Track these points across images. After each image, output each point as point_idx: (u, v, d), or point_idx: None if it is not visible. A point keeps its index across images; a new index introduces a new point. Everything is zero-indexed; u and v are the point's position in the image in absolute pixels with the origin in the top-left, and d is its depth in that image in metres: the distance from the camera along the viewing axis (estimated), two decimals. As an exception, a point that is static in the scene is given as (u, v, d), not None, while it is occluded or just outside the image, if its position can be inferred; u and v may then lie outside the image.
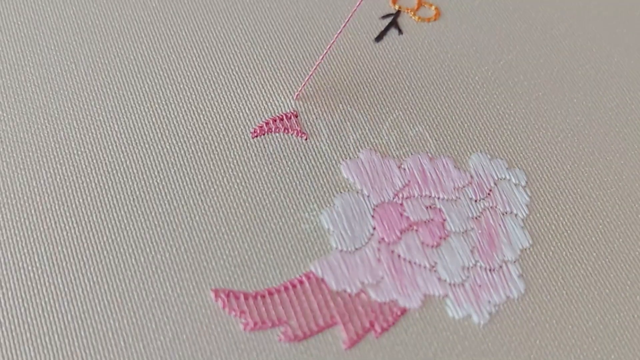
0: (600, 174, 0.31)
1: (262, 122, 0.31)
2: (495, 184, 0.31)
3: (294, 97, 0.32)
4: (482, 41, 0.34)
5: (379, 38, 0.34)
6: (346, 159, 0.31)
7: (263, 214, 0.29)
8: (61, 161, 0.30)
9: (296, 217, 0.29)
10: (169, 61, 0.32)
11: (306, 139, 0.31)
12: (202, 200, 0.29)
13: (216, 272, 0.28)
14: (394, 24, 0.35)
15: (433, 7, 0.35)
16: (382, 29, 0.34)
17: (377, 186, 0.30)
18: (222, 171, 0.30)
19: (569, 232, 0.30)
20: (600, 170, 0.31)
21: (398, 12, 0.35)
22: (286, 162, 0.30)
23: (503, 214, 0.30)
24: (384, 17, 0.35)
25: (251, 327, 0.27)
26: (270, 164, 0.30)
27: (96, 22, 0.33)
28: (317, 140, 0.31)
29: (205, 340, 0.27)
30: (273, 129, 0.31)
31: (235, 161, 0.30)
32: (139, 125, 0.31)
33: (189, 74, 0.32)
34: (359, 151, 0.31)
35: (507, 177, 0.31)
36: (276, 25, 0.34)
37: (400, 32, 0.34)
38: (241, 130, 0.31)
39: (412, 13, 0.35)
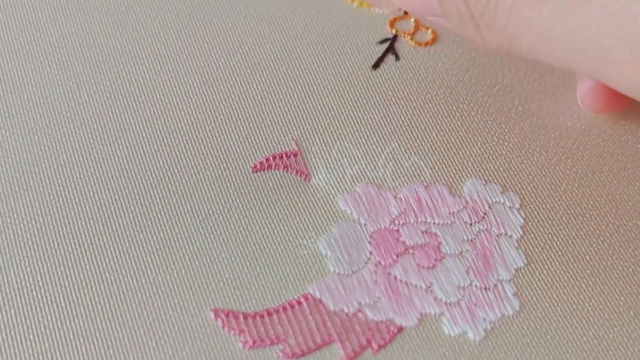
0: (593, 194, 0.32)
1: (263, 158, 0.32)
2: (489, 207, 0.31)
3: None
4: (477, 65, 0.35)
5: (376, 65, 0.35)
6: (343, 192, 0.31)
7: (262, 241, 0.30)
8: (63, 183, 0.31)
9: (294, 244, 0.30)
10: (172, 88, 0.34)
11: (305, 179, 0.32)
12: (203, 227, 0.30)
13: (216, 293, 0.29)
14: (391, 49, 0.35)
15: (430, 31, 0.36)
16: (380, 55, 0.35)
17: (374, 215, 0.31)
18: (222, 200, 0.31)
19: (562, 250, 0.30)
20: (593, 190, 0.32)
21: (395, 37, 0.36)
22: (285, 196, 0.31)
23: (497, 236, 0.31)
24: (382, 42, 0.36)
25: (250, 345, 0.28)
26: (269, 197, 0.31)
27: (98, 43, 0.35)
28: (316, 177, 0.32)
29: (205, 358, 0.27)
30: (273, 166, 0.32)
31: (235, 192, 0.31)
32: (142, 151, 0.32)
33: (190, 101, 0.33)
34: (355, 185, 0.32)
35: (502, 200, 0.31)
36: (277, 54, 0.35)
37: (397, 58, 0.35)
38: (241, 164, 0.32)
39: (409, 37, 0.36)
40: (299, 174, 0.32)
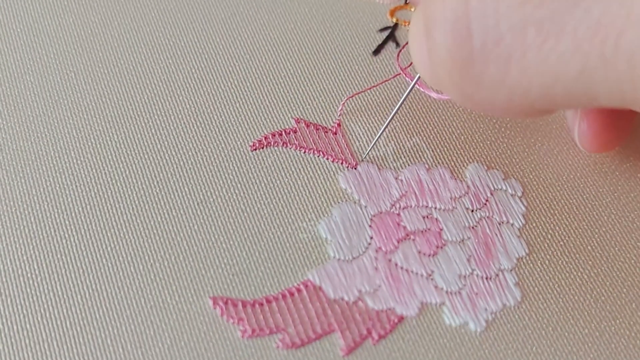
0: (596, 184, 0.31)
1: (261, 136, 0.32)
2: (491, 194, 0.31)
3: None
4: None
5: (376, 51, 0.35)
6: (344, 170, 0.31)
7: (261, 224, 0.29)
8: (60, 170, 0.30)
9: (294, 227, 0.29)
10: (169, 72, 0.33)
11: (305, 152, 0.31)
12: (200, 210, 0.29)
13: (214, 280, 0.28)
14: (391, 37, 0.35)
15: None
16: (380, 42, 0.35)
17: (375, 197, 0.30)
18: (220, 182, 0.30)
19: (565, 240, 0.30)
20: (596, 180, 0.31)
21: (396, 25, 0.35)
22: (284, 174, 0.31)
23: (499, 224, 0.30)
24: (382, 30, 0.35)
25: (249, 334, 0.27)
26: (269, 175, 0.31)
27: (96, 32, 0.34)
28: (316, 152, 0.31)
29: (204, 347, 0.27)
30: (272, 143, 0.31)
31: (233, 172, 0.30)
32: (139, 135, 0.31)
33: (189, 85, 0.33)
34: (357, 163, 0.31)
35: (504, 187, 0.31)
36: (277, 40, 0.34)
37: (397, 45, 0.35)
38: (240, 143, 0.31)
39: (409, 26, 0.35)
40: (298, 148, 0.31)
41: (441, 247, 0.29)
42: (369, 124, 0.32)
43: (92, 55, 0.33)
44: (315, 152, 0.31)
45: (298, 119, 0.32)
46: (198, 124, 0.32)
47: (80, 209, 0.29)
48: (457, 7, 0.23)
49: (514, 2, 0.22)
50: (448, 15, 0.23)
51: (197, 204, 0.29)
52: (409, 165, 0.31)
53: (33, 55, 0.33)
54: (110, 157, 0.30)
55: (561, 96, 0.22)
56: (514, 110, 0.24)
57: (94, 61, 0.33)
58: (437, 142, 0.32)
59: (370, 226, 0.30)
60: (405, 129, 0.32)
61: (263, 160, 0.31)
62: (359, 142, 0.32)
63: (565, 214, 0.31)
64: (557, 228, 0.30)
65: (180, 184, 0.30)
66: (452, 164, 0.31)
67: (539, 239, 0.30)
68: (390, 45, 0.35)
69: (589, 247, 0.30)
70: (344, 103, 0.32)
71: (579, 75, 0.21)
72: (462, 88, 0.24)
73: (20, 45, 0.34)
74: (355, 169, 0.31)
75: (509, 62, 0.22)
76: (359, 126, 0.32)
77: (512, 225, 0.30)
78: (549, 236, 0.30)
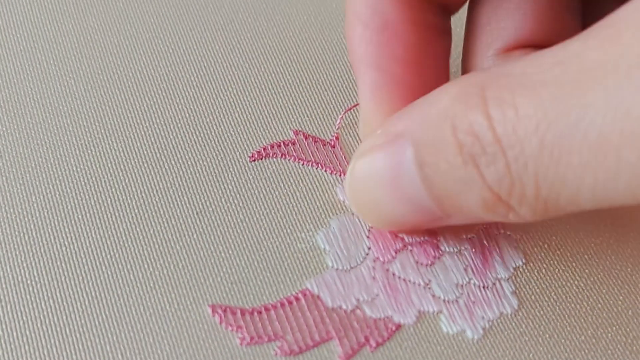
0: (591, 193, 0.32)
1: (260, 147, 0.32)
2: (488, 204, 0.31)
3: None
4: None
5: None
6: (342, 183, 0.31)
7: (260, 234, 0.30)
8: (60, 177, 0.30)
9: (292, 237, 0.30)
10: (168, 80, 0.33)
11: (303, 164, 0.31)
12: (200, 219, 0.30)
13: (213, 288, 0.28)
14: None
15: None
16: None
17: (373, 208, 0.31)
18: (219, 192, 0.30)
19: (561, 250, 0.30)
20: (591, 190, 0.32)
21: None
22: (283, 185, 0.31)
23: (496, 234, 0.30)
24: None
25: (247, 342, 0.27)
26: (267, 186, 0.31)
27: (95, 39, 0.34)
28: (314, 165, 0.31)
29: (202, 354, 0.27)
30: (271, 154, 0.32)
31: (233, 183, 0.31)
32: (138, 143, 0.31)
33: (189, 94, 0.33)
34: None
35: (500, 197, 0.31)
36: (276, 49, 0.35)
37: None
38: (239, 153, 0.32)
39: None
40: (297, 160, 0.31)
41: (438, 258, 0.30)
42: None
43: (91, 62, 0.34)
44: (314, 164, 0.32)
45: (297, 130, 0.32)
46: (197, 133, 0.32)
47: (79, 216, 0.29)
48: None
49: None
50: None
51: (197, 213, 0.30)
52: (407, 177, 0.32)
53: (32, 61, 0.33)
54: (109, 165, 0.31)
55: (587, 202, 0.23)
56: (549, 216, 0.24)
57: (92, 68, 0.33)
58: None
59: (367, 237, 0.30)
60: (402, 141, 0.32)
61: (262, 171, 0.31)
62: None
63: (562, 223, 0.31)
64: (553, 237, 0.30)
65: (180, 193, 0.30)
66: (449, 175, 0.32)
67: (535, 249, 0.30)
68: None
69: (586, 256, 0.30)
70: (341, 117, 0.33)
71: (597, 184, 0.22)
72: (509, 206, 0.24)
73: (19, 51, 0.34)
74: None
75: (537, 184, 0.23)
76: (357, 139, 0.32)
77: (509, 235, 0.30)
78: (546, 245, 0.30)
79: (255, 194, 0.31)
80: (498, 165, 0.23)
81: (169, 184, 0.30)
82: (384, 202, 0.27)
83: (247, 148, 0.32)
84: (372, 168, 0.27)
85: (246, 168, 0.31)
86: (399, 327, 0.28)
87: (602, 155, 0.21)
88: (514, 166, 0.23)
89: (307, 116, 0.33)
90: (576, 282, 0.29)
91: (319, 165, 0.32)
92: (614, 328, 0.29)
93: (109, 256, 0.29)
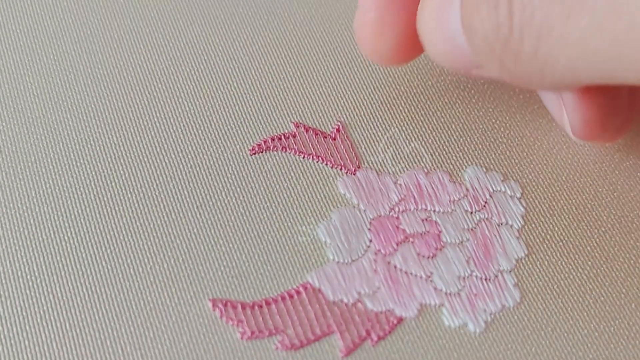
0: (595, 184, 0.31)
1: (261, 140, 0.32)
2: (490, 196, 0.31)
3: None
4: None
5: None
6: (343, 176, 0.31)
7: (260, 227, 0.30)
8: (60, 172, 0.30)
9: (293, 230, 0.30)
10: (168, 74, 0.33)
11: (304, 157, 0.31)
12: (200, 213, 0.30)
13: (214, 282, 0.28)
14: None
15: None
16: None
17: (374, 201, 0.31)
18: (220, 185, 0.30)
19: (564, 241, 0.30)
20: (595, 180, 0.31)
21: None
22: (283, 178, 0.31)
23: (498, 225, 0.30)
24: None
25: (248, 336, 0.27)
26: (268, 179, 0.31)
27: (95, 33, 0.34)
28: (315, 158, 0.31)
29: (203, 348, 0.27)
30: (271, 147, 0.32)
31: (233, 176, 0.31)
32: (138, 137, 0.31)
33: (189, 87, 0.33)
34: (356, 169, 0.31)
35: (503, 189, 0.31)
36: (277, 42, 0.34)
37: None
38: (239, 147, 0.31)
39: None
40: (297, 153, 0.31)
41: (440, 249, 0.30)
42: (370, 130, 0.32)
43: (91, 56, 0.33)
44: (315, 157, 0.31)
45: (297, 123, 0.32)
46: (197, 127, 0.32)
47: (79, 210, 0.29)
48: None
49: None
50: None
51: (197, 207, 0.30)
52: (407, 169, 0.31)
53: (32, 56, 0.33)
54: (108, 158, 0.31)
55: (585, 71, 0.23)
56: (545, 84, 0.24)
57: (92, 63, 0.33)
58: (436, 146, 0.32)
59: (369, 229, 0.30)
60: (403, 134, 0.32)
61: (262, 164, 0.31)
62: (359, 147, 0.32)
63: (565, 214, 0.31)
64: (556, 229, 0.30)
65: (180, 187, 0.30)
66: (451, 167, 0.32)
67: (538, 240, 0.30)
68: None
69: (588, 248, 0.30)
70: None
71: (600, 51, 0.22)
72: (502, 61, 0.24)
73: (19, 46, 0.34)
74: (354, 174, 0.31)
75: (540, 38, 0.23)
76: (359, 132, 0.32)
77: (511, 226, 0.30)
78: (548, 237, 0.30)
79: (255, 187, 0.30)
80: (500, 10, 0.23)
81: (169, 178, 0.30)
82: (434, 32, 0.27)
83: (247, 141, 0.32)
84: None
85: (246, 161, 0.31)
86: (400, 320, 0.28)
87: (615, 17, 0.21)
88: (518, 14, 0.23)
89: (308, 108, 0.33)
90: (579, 274, 0.29)
91: (320, 158, 0.31)
92: (617, 321, 0.28)
93: (108, 250, 0.29)
